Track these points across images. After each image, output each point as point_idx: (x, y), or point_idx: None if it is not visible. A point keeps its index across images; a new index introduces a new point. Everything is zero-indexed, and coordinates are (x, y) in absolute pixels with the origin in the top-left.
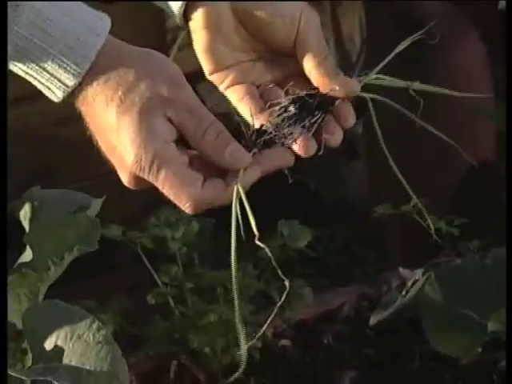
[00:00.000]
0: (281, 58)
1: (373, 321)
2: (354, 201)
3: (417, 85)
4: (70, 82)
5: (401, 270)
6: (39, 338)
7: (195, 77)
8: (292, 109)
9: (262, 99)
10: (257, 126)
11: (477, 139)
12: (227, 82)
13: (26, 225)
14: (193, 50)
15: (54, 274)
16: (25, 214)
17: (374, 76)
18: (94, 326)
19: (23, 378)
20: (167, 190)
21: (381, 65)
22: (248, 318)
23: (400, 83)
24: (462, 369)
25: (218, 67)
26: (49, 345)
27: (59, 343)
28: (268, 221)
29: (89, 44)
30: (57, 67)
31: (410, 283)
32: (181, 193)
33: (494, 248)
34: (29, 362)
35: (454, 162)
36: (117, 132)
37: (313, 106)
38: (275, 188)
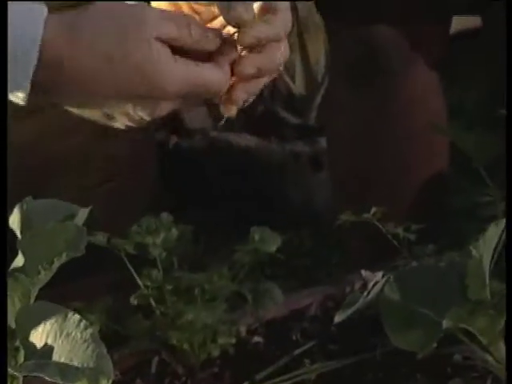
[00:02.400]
0: None
1: (337, 319)
2: (320, 208)
3: None
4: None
5: (363, 272)
6: (31, 337)
7: None
8: None
9: None
10: None
11: (431, 152)
12: None
13: (18, 232)
14: None
15: (44, 277)
16: (17, 222)
17: None
18: (82, 325)
19: (16, 373)
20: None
21: None
22: (223, 317)
23: None
24: (419, 362)
25: None
26: (39, 343)
27: (49, 341)
28: (241, 227)
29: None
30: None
31: (371, 284)
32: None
33: (447, 252)
34: (21, 359)
35: (409, 174)
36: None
37: None
38: (249, 198)
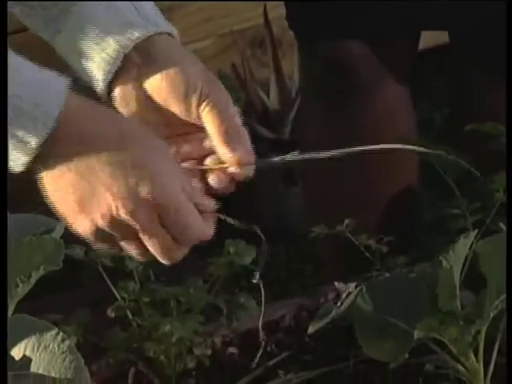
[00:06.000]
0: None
1: (311, 330)
2: (294, 222)
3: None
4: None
5: (336, 283)
6: (9, 349)
7: None
8: None
9: None
10: None
11: (400, 166)
12: None
13: None
14: None
15: (22, 290)
16: None
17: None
18: (59, 337)
19: None
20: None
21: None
22: (199, 328)
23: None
24: (390, 372)
25: None
26: (18, 355)
27: (27, 353)
28: (216, 240)
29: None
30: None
31: (344, 295)
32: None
33: (418, 263)
34: None
35: (380, 187)
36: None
37: None
38: (223, 211)
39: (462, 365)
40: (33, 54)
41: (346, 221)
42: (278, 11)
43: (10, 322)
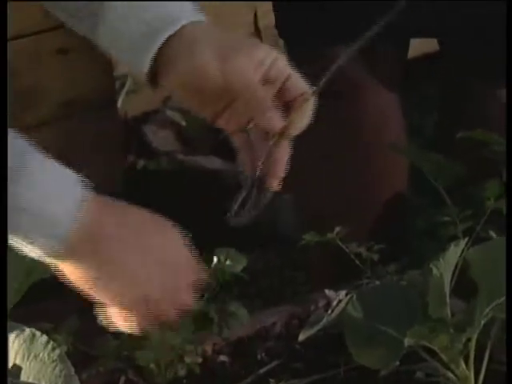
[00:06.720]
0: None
1: (301, 337)
2: (285, 229)
3: None
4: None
5: (326, 291)
6: None
7: (141, 119)
8: None
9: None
10: None
11: (390, 172)
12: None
13: None
14: (139, 96)
15: (13, 298)
16: None
17: None
18: (49, 346)
19: None
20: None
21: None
22: (190, 337)
23: None
24: (381, 379)
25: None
26: (8, 364)
27: (17, 362)
28: (207, 248)
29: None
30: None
31: (334, 303)
32: None
33: (409, 271)
34: None
35: (371, 194)
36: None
37: None
38: (215, 218)
39: (453, 372)
40: (29, 61)
41: (337, 228)
42: (268, 19)
43: None
